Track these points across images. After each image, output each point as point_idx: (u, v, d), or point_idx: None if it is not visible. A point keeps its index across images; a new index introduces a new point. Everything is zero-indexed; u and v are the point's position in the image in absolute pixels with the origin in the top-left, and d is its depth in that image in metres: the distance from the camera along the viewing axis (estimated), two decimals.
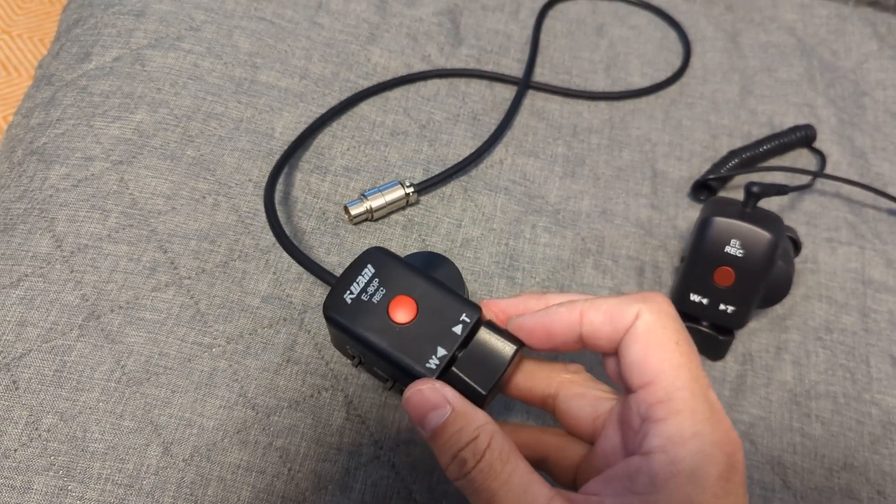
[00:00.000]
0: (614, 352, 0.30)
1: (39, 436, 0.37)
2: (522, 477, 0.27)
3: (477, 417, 0.28)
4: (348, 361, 0.41)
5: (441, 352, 0.30)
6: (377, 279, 0.31)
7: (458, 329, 0.31)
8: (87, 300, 0.40)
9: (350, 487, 0.38)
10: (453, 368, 0.30)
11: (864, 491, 0.43)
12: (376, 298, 0.31)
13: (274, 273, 0.43)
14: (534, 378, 0.34)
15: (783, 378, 0.46)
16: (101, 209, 0.43)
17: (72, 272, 0.41)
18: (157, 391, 0.39)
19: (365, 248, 0.33)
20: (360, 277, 0.32)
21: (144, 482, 0.37)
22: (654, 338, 0.28)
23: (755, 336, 0.47)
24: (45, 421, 0.37)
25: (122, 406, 0.38)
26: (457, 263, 0.46)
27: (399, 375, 0.31)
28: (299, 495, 0.38)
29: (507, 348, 0.31)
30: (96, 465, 0.37)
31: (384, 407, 0.41)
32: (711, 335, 0.45)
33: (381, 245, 0.46)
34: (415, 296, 0.31)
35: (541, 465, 0.34)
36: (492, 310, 0.33)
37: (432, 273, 0.34)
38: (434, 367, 0.30)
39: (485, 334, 0.31)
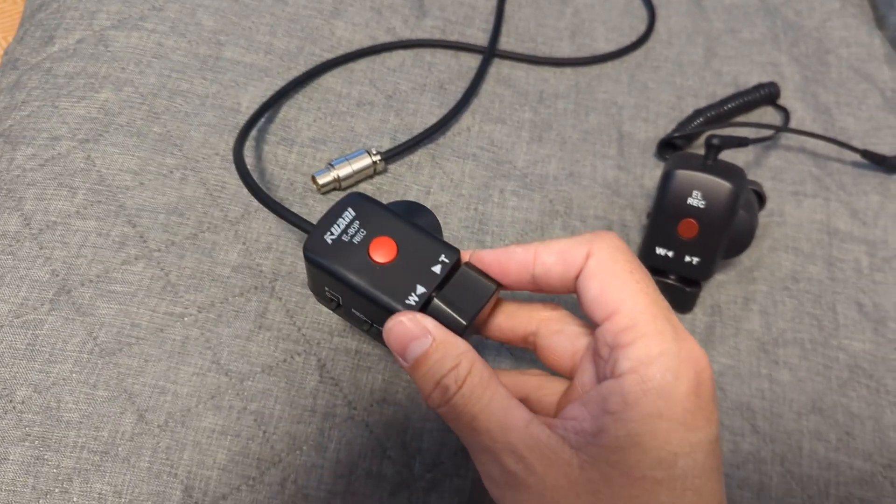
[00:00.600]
0: (566, 291, 0.31)
1: (14, 408, 0.37)
2: (502, 401, 0.28)
3: (458, 345, 0.29)
4: (320, 327, 0.42)
5: (420, 289, 0.30)
6: (357, 221, 0.32)
7: (437, 269, 0.31)
8: (57, 275, 0.41)
9: (325, 447, 0.39)
10: (435, 300, 0.31)
11: (833, 432, 0.44)
12: (357, 239, 0.31)
13: (243, 243, 0.44)
14: (514, 318, 0.34)
15: (751, 327, 0.47)
16: (69, 187, 0.44)
17: (41, 249, 0.41)
18: (129, 361, 0.39)
19: (351, 192, 0.33)
20: (340, 220, 0.32)
21: (120, 448, 0.37)
22: (609, 271, 0.29)
23: (723, 288, 0.48)
24: (18, 393, 0.38)
25: (96, 376, 0.39)
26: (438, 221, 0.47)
27: (378, 315, 0.31)
28: (275, 456, 0.38)
29: (486, 284, 0.31)
30: (71, 433, 0.37)
31: (357, 369, 0.41)
32: (678, 287, 0.45)
33: None
34: (395, 237, 0.31)
35: (522, 402, 0.35)
36: (483, 260, 0.33)
37: (412, 220, 0.34)
38: (413, 303, 0.30)
39: (465, 273, 0.31)
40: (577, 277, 0.30)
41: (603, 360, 0.29)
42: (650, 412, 0.26)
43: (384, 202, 0.47)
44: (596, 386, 0.29)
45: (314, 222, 0.31)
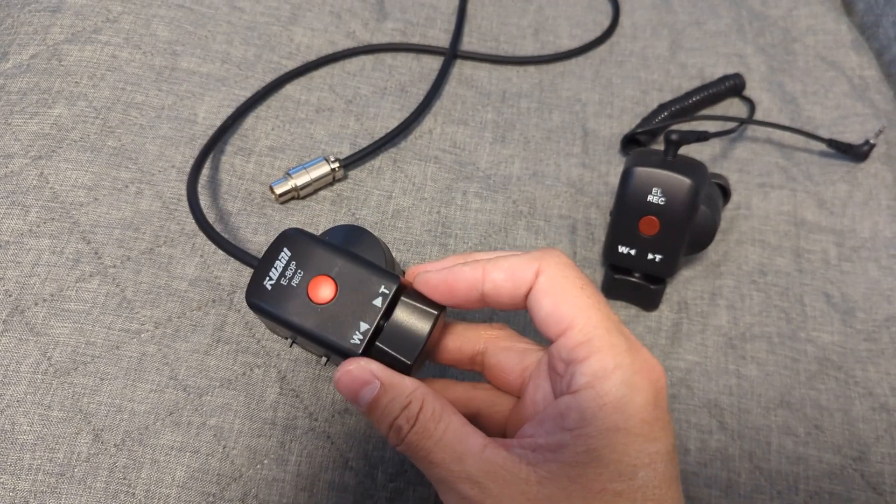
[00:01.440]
0: (514, 308, 0.31)
1: None
2: (456, 431, 0.28)
3: (405, 385, 0.29)
4: (280, 339, 0.42)
5: (363, 326, 0.30)
6: (294, 262, 0.31)
7: (377, 301, 0.31)
8: (10, 295, 0.40)
9: (286, 460, 0.39)
10: (377, 343, 0.31)
11: (802, 426, 0.43)
12: (295, 281, 0.31)
13: (201, 256, 0.43)
14: (461, 338, 0.34)
15: (718, 323, 0.46)
16: (22, 205, 0.43)
17: None
18: (85, 380, 0.39)
19: (287, 228, 0.33)
20: (277, 262, 0.32)
21: (76, 470, 0.37)
22: (560, 288, 0.29)
23: (690, 284, 0.48)
24: None
25: (50, 397, 0.38)
26: (388, 234, 0.47)
27: (329, 353, 0.32)
28: (235, 471, 0.38)
29: (427, 315, 0.31)
30: (26, 456, 0.37)
31: (318, 380, 0.41)
32: (643, 285, 0.45)
33: (309, 222, 0.46)
34: (332, 274, 0.31)
35: (473, 420, 0.35)
36: (428, 283, 0.33)
37: (352, 246, 0.34)
38: (358, 341, 0.30)
39: (406, 303, 0.31)
40: (526, 295, 0.30)
41: (559, 376, 0.29)
42: (608, 426, 0.26)
43: (345, 209, 0.47)
44: (553, 402, 0.29)
45: (272, 233, 0.31)
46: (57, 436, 0.37)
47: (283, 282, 0.31)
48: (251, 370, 0.41)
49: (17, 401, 0.38)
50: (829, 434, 0.43)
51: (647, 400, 0.27)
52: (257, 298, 0.31)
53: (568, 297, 0.28)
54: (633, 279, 0.45)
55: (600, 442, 0.26)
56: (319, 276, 0.31)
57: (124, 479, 0.37)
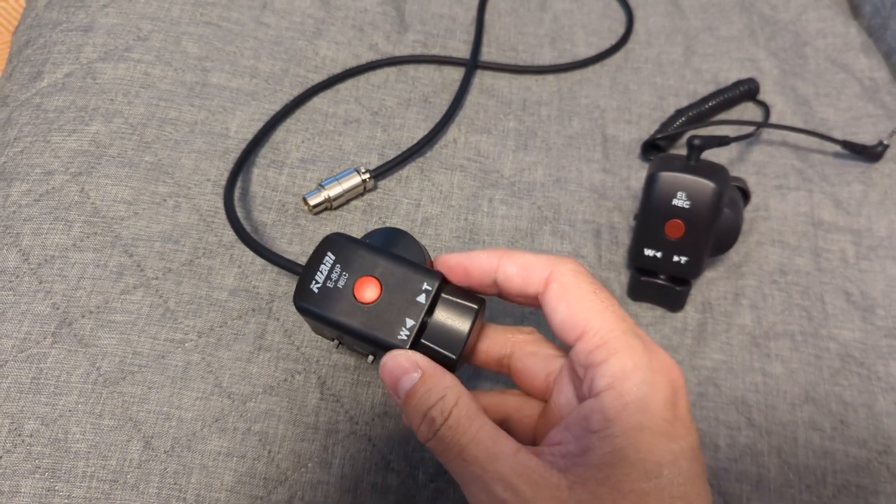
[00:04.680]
0: (525, 303, 0.32)
1: (23, 441, 0.38)
2: (490, 432, 0.29)
3: (445, 379, 0.30)
4: (318, 345, 0.43)
5: (409, 322, 0.32)
6: (339, 265, 0.33)
7: (421, 298, 0.32)
8: (57, 308, 0.42)
9: (329, 463, 0.40)
10: (423, 340, 0.32)
11: (828, 421, 0.44)
12: (341, 283, 0.32)
13: (239, 267, 0.45)
14: (489, 340, 0.35)
15: (742, 322, 0.47)
16: (65, 220, 0.44)
17: (41, 283, 0.42)
18: (133, 389, 0.40)
19: (330, 233, 0.34)
20: (322, 266, 0.33)
21: (128, 476, 0.38)
22: (574, 293, 0.30)
23: (713, 285, 0.49)
24: (27, 427, 0.38)
25: (101, 406, 0.39)
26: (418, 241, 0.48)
27: (377, 351, 0.33)
28: (280, 475, 0.39)
29: (467, 310, 0.32)
30: (80, 464, 0.38)
31: (357, 384, 0.42)
32: (668, 287, 0.46)
33: (342, 230, 0.47)
34: (376, 274, 0.33)
35: (503, 425, 0.36)
36: (447, 262, 0.34)
37: (392, 248, 0.35)
38: (406, 336, 0.31)
39: (446, 300, 0.32)
40: (536, 295, 0.31)
41: (580, 380, 0.30)
42: (632, 425, 0.27)
43: (376, 219, 0.48)
44: (577, 407, 0.29)
45: (307, 243, 0.32)
46: (109, 443, 0.38)
47: (329, 284, 0.32)
48: (292, 376, 0.42)
49: (70, 410, 0.39)
50: (854, 429, 0.44)
51: (666, 398, 0.27)
52: (305, 301, 0.32)
53: (582, 301, 0.29)
54: (659, 281, 0.46)
55: (625, 441, 0.27)
56: (364, 276, 0.32)
57: (175, 484, 0.38)
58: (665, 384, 0.28)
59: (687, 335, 0.47)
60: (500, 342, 0.35)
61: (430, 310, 0.32)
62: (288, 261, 0.38)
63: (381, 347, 0.32)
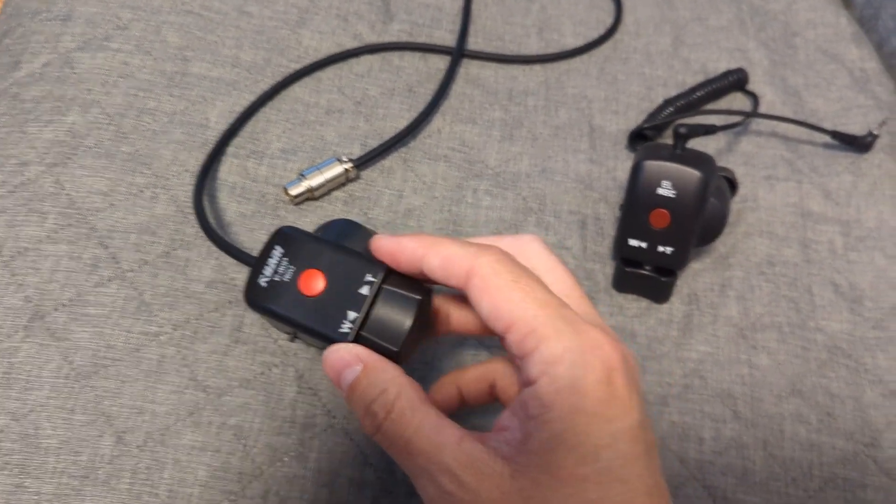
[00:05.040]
0: (454, 289, 0.31)
1: None
2: (433, 422, 0.28)
3: (387, 371, 0.30)
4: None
5: (352, 315, 0.31)
6: (286, 258, 0.32)
7: (364, 290, 0.31)
8: (30, 301, 0.41)
9: (306, 457, 0.39)
10: (363, 333, 0.31)
11: (814, 414, 0.44)
12: (287, 277, 0.32)
13: (217, 259, 0.44)
14: (467, 309, 0.34)
15: (729, 314, 0.47)
16: (39, 212, 0.44)
17: (13, 276, 0.41)
18: (106, 383, 0.39)
19: (281, 226, 0.33)
20: (270, 260, 0.32)
21: (99, 472, 0.37)
22: (493, 286, 0.29)
23: (700, 276, 0.48)
24: None
25: (73, 400, 0.39)
26: (401, 233, 0.47)
27: (324, 344, 0.32)
28: (256, 469, 0.38)
29: (410, 301, 0.31)
30: (51, 459, 0.37)
31: None
32: (654, 277, 0.46)
33: (322, 223, 0.46)
34: (321, 266, 0.32)
35: (491, 391, 0.36)
36: (380, 248, 0.33)
37: (345, 240, 0.35)
38: (347, 330, 0.31)
39: (388, 290, 0.31)
40: (461, 288, 0.30)
41: (518, 370, 0.29)
42: (567, 409, 0.26)
43: (357, 209, 0.47)
44: (519, 395, 0.29)
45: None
46: (80, 439, 0.38)
47: (277, 278, 0.32)
48: (269, 370, 0.41)
49: (41, 405, 0.38)
50: (841, 421, 0.44)
51: (598, 378, 0.27)
52: (254, 296, 0.32)
53: (503, 293, 0.28)
54: (645, 272, 0.46)
55: (562, 426, 0.26)
56: (309, 269, 0.32)
57: (147, 479, 0.37)
58: (597, 364, 0.27)
59: (673, 327, 0.46)
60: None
61: (375, 301, 0.31)
62: (243, 253, 0.37)
63: (325, 341, 0.31)
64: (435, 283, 0.31)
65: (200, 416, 0.39)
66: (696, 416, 0.43)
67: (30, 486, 0.36)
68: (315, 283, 0.31)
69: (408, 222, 0.48)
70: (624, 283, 0.47)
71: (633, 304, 0.47)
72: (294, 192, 0.46)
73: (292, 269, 0.32)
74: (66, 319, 0.41)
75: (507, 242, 0.32)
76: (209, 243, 0.44)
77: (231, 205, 0.46)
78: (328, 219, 0.46)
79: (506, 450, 0.28)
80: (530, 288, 0.28)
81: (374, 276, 0.31)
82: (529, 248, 0.32)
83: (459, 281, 0.30)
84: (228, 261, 0.44)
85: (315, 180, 0.47)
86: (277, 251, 0.32)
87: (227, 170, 0.47)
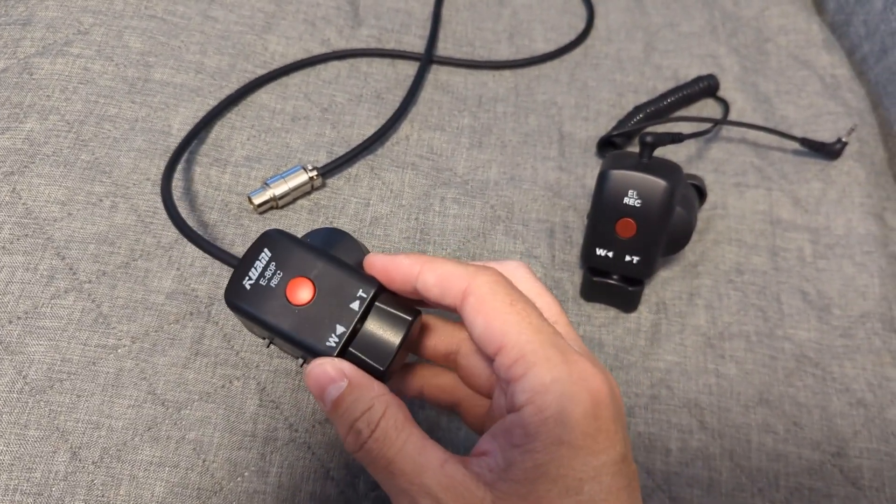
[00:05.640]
0: (447, 310, 0.31)
1: None
2: (417, 443, 0.28)
3: (373, 388, 0.29)
4: (259, 349, 0.41)
5: (340, 329, 0.30)
6: (274, 263, 0.31)
7: (355, 305, 0.31)
8: None
9: (266, 472, 0.38)
10: (350, 349, 0.31)
11: (781, 423, 0.44)
12: (274, 282, 0.31)
13: (177, 269, 0.43)
14: (436, 335, 0.35)
15: (697, 323, 0.47)
16: None
17: None
18: (61, 397, 0.38)
19: (269, 229, 0.33)
20: (257, 262, 0.32)
21: (53, 489, 0.36)
22: (490, 307, 0.28)
23: (668, 284, 0.48)
24: None
25: (26, 416, 0.38)
26: (367, 242, 0.47)
27: (306, 355, 0.32)
28: (215, 485, 0.38)
29: (401, 321, 0.31)
30: (3, 476, 0.36)
31: (298, 390, 0.41)
32: (621, 287, 0.45)
33: (287, 229, 0.46)
34: (311, 276, 0.31)
35: (455, 408, 0.35)
36: (374, 265, 0.33)
37: (333, 249, 0.34)
38: (334, 344, 0.30)
39: (380, 308, 0.31)
40: (455, 307, 0.30)
41: (503, 394, 0.29)
42: (551, 440, 0.26)
43: (323, 218, 0.46)
44: (501, 419, 0.29)
45: (247, 245, 0.31)
46: (34, 455, 0.37)
47: (263, 282, 0.31)
48: (230, 382, 0.40)
49: None
50: (807, 430, 0.44)
51: (586, 411, 0.26)
52: (236, 298, 0.31)
53: (498, 314, 0.28)
54: (612, 281, 0.45)
55: (545, 457, 0.26)
56: (298, 277, 0.31)
57: (102, 496, 0.36)
58: (585, 396, 0.26)
59: (640, 336, 0.46)
60: (446, 338, 0.34)
61: (364, 317, 0.31)
62: (224, 252, 0.36)
63: (308, 352, 0.31)
64: (427, 301, 0.31)
65: (159, 431, 0.38)
66: (663, 427, 0.43)
67: None
68: (303, 292, 0.31)
69: (374, 231, 0.47)
70: (592, 292, 0.46)
71: (601, 314, 0.46)
72: (258, 200, 0.46)
73: (280, 275, 0.31)
74: (21, 332, 0.40)
75: (492, 268, 0.32)
76: (171, 253, 0.43)
77: (193, 213, 0.45)
78: (292, 227, 0.46)
79: (488, 476, 0.27)
80: (526, 313, 0.28)
81: (365, 293, 0.31)
82: (516, 274, 0.32)
83: (455, 300, 0.29)
84: (189, 271, 0.43)
85: (279, 189, 0.46)
86: (265, 254, 0.31)
87: (190, 178, 0.47)
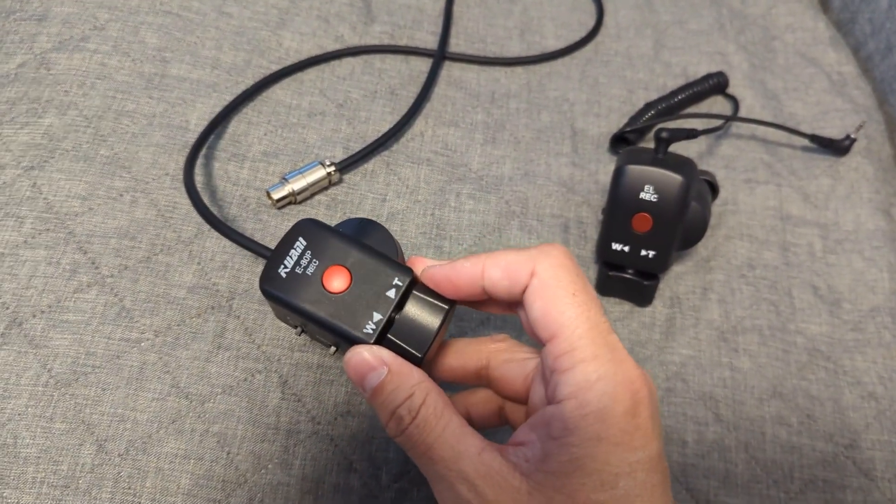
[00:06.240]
0: (515, 304, 0.31)
1: None
2: (456, 430, 0.29)
3: (413, 376, 0.30)
4: (280, 343, 0.42)
5: (377, 316, 0.31)
6: (309, 251, 0.32)
7: (391, 293, 0.31)
8: (7, 308, 0.40)
9: (290, 464, 0.39)
10: (389, 335, 0.31)
11: (795, 416, 0.44)
12: (310, 270, 0.32)
13: (198, 263, 0.43)
14: (464, 355, 0.35)
15: (710, 317, 0.47)
16: (16, 216, 0.43)
17: None
18: (86, 391, 0.39)
19: (303, 218, 0.33)
20: (292, 251, 0.32)
21: (80, 481, 0.36)
22: (551, 293, 0.29)
23: (681, 279, 0.48)
24: None
25: (52, 409, 0.38)
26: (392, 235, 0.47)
27: (340, 342, 0.32)
28: (240, 477, 0.38)
29: (437, 309, 0.31)
30: (30, 469, 0.36)
31: (319, 383, 0.41)
32: (637, 281, 0.46)
33: None
34: (347, 264, 0.32)
35: (499, 412, 0.36)
36: (417, 266, 0.33)
37: (364, 239, 0.35)
38: (371, 331, 0.31)
39: (417, 297, 0.32)
40: (523, 292, 0.30)
41: (546, 382, 0.30)
42: (590, 436, 0.27)
43: (340, 213, 0.47)
44: (541, 410, 0.29)
45: (269, 239, 0.31)
46: (60, 448, 0.37)
47: (298, 270, 0.32)
48: (252, 376, 0.41)
49: (19, 414, 0.38)
50: (820, 423, 0.44)
51: (626, 410, 0.27)
52: (271, 286, 0.32)
53: (558, 302, 0.29)
54: (627, 276, 0.46)
55: (583, 451, 0.27)
56: (334, 265, 0.32)
57: (129, 488, 0.37)
58: (627, 395, 0.27)
59: (655, 330, 0.46)
60: (474, 355, 0.35)
61: (400, 305, 0.32)
62: (256, 243, 0.37)
63: (345, 340, 0.31)
64: (495, 298, 0.31)
65: (183, 424, 0.39)
66: (679, 420, 0.43)
67: (9, 496, 0.36)
68: (340, 280, 0.31)
69: (391, 226, 0.47)
70: (607, 286, 0.47)
71: (616, 308, 0.47)
72: (277, 195, 0.46)
73: (316, 262, 0.32)
74: (45, 326, 0.40)
75: (560, 247, 0.32)
76: (191, 248, 0.44)
77: (212, 208, 0.45)
78: None
79: (524, 465, 0.28)
80: (586, 306, 0.29)
81: (401, 281, 0.31)
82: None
83: (522, 285, 0.30)
84: (210, 266, 0.43)
85: (297, 184, 0.46)
86: (301, 243, 0.32)
87: (208, 173, 0.47)
